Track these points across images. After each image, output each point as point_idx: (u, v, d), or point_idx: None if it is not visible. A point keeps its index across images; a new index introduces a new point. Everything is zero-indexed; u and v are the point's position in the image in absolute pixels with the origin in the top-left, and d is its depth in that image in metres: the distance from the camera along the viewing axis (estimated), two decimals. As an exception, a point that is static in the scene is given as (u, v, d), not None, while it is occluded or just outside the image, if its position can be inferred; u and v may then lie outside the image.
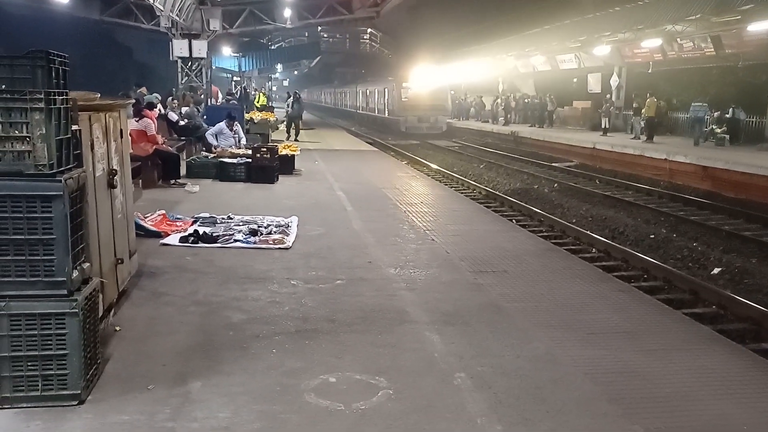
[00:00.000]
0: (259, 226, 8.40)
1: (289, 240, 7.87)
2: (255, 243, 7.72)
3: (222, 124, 15.57)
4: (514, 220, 12.01)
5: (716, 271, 9.45)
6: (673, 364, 4.45)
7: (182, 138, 15.65)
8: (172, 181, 12.19)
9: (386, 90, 42.14)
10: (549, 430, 3.57)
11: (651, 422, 3.65)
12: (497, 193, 16.35)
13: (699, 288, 8.38)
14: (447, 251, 7.55)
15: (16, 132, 3.45)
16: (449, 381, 4.13)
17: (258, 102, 28.09)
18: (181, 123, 16.15)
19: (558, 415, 3.73)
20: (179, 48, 24.29)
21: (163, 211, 8.83)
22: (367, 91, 49.14)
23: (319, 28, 50.41)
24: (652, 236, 11.54)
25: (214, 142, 15.17)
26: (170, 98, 17.27)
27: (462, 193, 15.91)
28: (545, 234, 11.42)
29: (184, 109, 17.42)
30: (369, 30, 65.21)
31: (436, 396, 3.93)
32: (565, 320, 5.28)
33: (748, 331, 7.23)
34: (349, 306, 5.54)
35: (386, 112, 41.91)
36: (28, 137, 3.44)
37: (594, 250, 10.64)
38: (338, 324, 5.11)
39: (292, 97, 24.42)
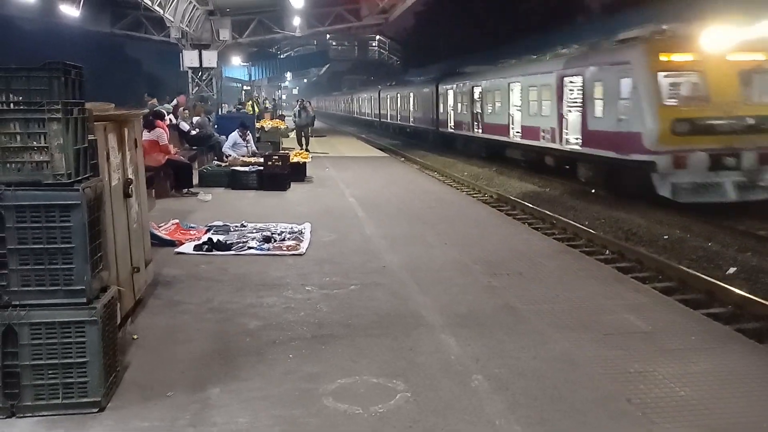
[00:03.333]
0: (272, 233, 8.44)
1: (303, 246, 7.90)
2: (269, 250, 7.76)
3: (235, 134, 15.67)
4: (526, 224, 11.98)
5: (731, 270, 9.38)
6: (691, 364, 4.42)
7: (194, 147, 15.76)
8: (185, 191, 12.27)
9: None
10: (568, 430, 3.56)
11: (671, 422, 3.64)
12: (509, 196, 16.32)
13: (715, 288, 8.31)
14: (460, 254, 7.54)
15: (35, 143, 3.50)
16: (466, 383, 4.13)
17: (249, 110, 28.09)
18: (193, 132, 16.26)
19: (576, 415, 3.72)
20: (189, 58, 24.52)
21: (177, 221, 8.89)
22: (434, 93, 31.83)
23: (328, 36, 50.72)
24: None
25: (233, 154, 15.27)
26: (180, 107, 17.34)
27: (473, 196, 15.89)
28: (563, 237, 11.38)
29: (195, 119, 17.54)
30: (378, 37, 65.54)
31: (454, 398, 3.93)
32: (581, 321, 5.26)
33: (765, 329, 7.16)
34: (364, 311, 5.56)
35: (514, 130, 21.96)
36: (46, 147, 3.49)
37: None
38: (354, 328, 5.13)
39: (299, 105, 24.51)
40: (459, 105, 28.41)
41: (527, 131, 20.38)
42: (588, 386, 4.08)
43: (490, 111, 24.15)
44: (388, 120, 45.50)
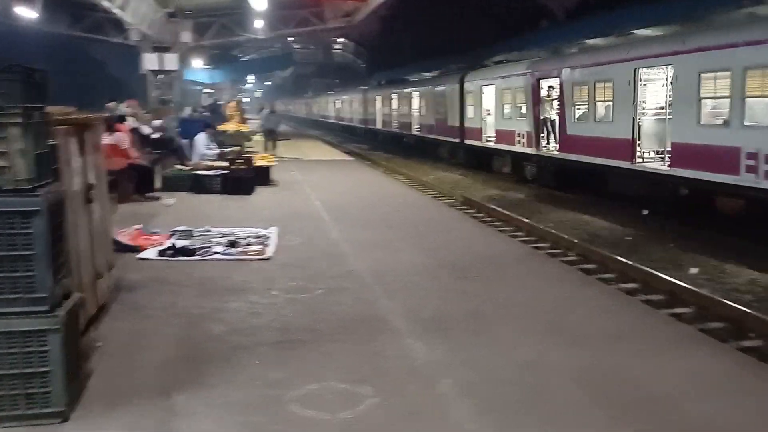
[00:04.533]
0: (237, 238, 8.35)
1: (269, 251, 7.84)
2: (234, 254, 7.68)
3: (204, 136, 15.48)
4: (492, 227, 12.10)
5: (694, 270, 9.63)
6: (658, 365, 4.49)
7: (156, 151, 15.52)
8: (147, 195, 12.08)
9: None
10: (536, 435, 3.59)
11: (641, 425, 3.66)
12: (475, 199, 16.46)
13: (677, 288, 8.51)
14: (427, 258, 7.57)
15: (-6, 147, 3.40)
16: (434, 388, 4.13)
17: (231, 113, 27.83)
18: (154, 136, 16.01)
19: (545, 420, 3.73)
20: (149, 61, 24.12)
21: (140, 226, 8.74)
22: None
23: (291, 38, 50.43)
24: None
25: (210, 152, 15.09)
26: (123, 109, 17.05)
27: (439, 200, 15.99)
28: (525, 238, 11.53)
29: (156, 122, 17.29)
30: (341, 40, 65.43)
31: (422, 403, 3.93)
32: (547, 324, 5.31)
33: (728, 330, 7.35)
34: (331, 315, 5.53)
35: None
36: (6, 152, 3.39)
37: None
38: (320, 334, 5.10)
39: (265, 109, 24.32)
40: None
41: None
42: (557, 390, 4.10)
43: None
44: (378, 127, 38.59)
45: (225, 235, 8.58)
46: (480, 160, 23.13)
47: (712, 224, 11.74)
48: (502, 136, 21.02)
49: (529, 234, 12.43)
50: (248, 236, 8.51)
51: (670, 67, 13.30)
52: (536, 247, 10.50)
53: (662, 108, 14.26)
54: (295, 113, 74.70)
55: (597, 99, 15.71)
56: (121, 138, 11.43)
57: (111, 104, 17.43)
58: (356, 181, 15.98)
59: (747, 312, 7.53)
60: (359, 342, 4.90)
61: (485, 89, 22.41)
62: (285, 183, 14.65)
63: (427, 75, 33.62)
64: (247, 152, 16.73)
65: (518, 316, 5.53)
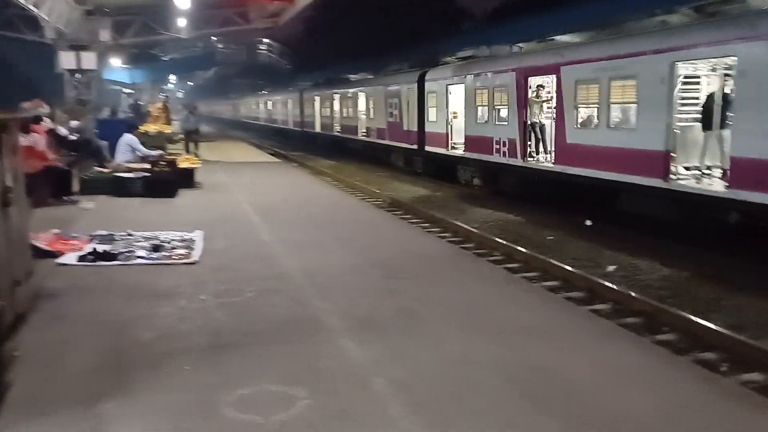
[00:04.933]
0: (161, 242, 8.13)
1: (195, 254, 7.67)
2: (158, 259, 7.47)
3: (132, 137, 14.95)
4: (420, 228, 12.26)
5: (611, 268, 10.05)
6: (579, 358, 4.69)
7: (73, 153, 14.88)
8: (65, 198, 11.57)
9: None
10: (468, 428, 3.67)
11: (563, 414, 3.82)
12: (402, 200, 16.62)
13: (596, 285, 8.87)
14: (357, 258, 7.60)
15: None
16: (368, 386, 4.17)
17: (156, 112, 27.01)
18: (72, 137, 15.35)
19: (475, 413, 3.84)
20: (66, 60, 23.08)
21: (57, 230, 8.37)
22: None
23: (214, 38, 49.39)
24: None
25: (151, 153, 14.59)
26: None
27: (368, 201, 16.06)
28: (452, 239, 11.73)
29: (73, 123, 16.58)
30: (266, 40, 64.64)
31: (357, 402, 3.95)
32: (476, 321, 5.44)
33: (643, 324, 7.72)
34: (263, 318, 5.47)
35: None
36: None
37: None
38: (252, 337, 5.04)
39: (186, 109, 23.72)
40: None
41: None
42: (486, 384, 4.22)
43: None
44: (317, 130, 35.26)
45: (148, 239, 8.33)
46: (442, 171, 20.38)
47: (628, 224, 12.28)
48: (474, 143, 18.09)
49: (456, 234, 12.67)
50: (173, 240, 8.29)
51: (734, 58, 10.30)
52: (463, 248, 10.70)
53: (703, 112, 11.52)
54: (220, 114, 72.94)
55: (613, 100, 12.76)
56: (38, 139, 10.92)
57: (27, 104, 16.59)
58: (285, 182, 15.85)
59: (662, 307, 7.93)
60: (293, 343, 4.88)
61: (452, 89, 19.44)
62: (210, 185, 14.35)
63: (374, 74, 29.60)
64: (170, 154, 16.31)
65: (448, 313, 5.64)
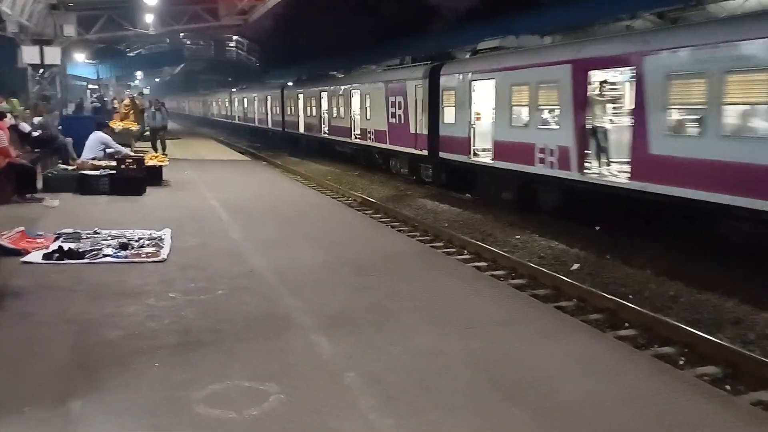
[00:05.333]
0: (129, 240, 8.05)
1: (164, 252, 7.62)
2: (126, 257, 7.40)
3: (104, 135, 14.72)
4: (390, 226, 12.33)
5: (575, 266, 10.26)
6: (544, 350, 4.82)
7: (37, 150, 14.62)
8: (28, 196, 11.36)
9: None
10: (438, 420, 3.75)
11: (528, 404, 3.95)
12: (372, 199, 16.68)
13: (562, 283, 9.05)
14: (328, 256, 7.64)
15: None
16: (339, 381, 4.22)
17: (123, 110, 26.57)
18: (35, 134, 15.06)
19: (445, 404, 3.93)
20: (29, 55, 22.57)
21: (22, 228, 8.22)
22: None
23: (182, 34, 48.84)
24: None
25: (125, 151, 14.38)
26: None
27: (338, 200, 16.09)
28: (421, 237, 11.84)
29: (36, 119, 16.26)
30: (235, 37, 64.11)
31: (328, 396, 4.00)
32: (445, 316, 5.54)
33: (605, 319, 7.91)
34: (233, 315, 5.48)
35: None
36: None
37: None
38: (223, 334, 5.05)
39: (153, 106, 23.37)
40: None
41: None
42: (454, 376, 4.32)
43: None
44: (301, 131, 31.46)
45: (115, 237, 8.24)
46: (459, 181, 17.59)
47: (595, 223, 12.54)
48: (507, 150, 14.89)
49: (425, 233, 12.78)
50: (141, 238, 8.21)
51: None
52: (433, 246, 10.82)
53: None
54: (189, 112, 71.74)
55: (731, 99, 9.57)
56: (0, 136, 10.69)
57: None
58: (254, 180, 15.78)
59: (623, 303, 8.14)
60: (264, 340, 4.90)
61: (478, 85, 16.36)
62: (178, 183, 14.22)
63: (372, 67, 26.86)
64: (137, 151, 16.11)
65: (417, 309, 5.72)
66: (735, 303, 8.27)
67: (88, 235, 8.33)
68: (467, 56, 18.59)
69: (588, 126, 12.49)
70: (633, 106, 11.49)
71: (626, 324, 7.71)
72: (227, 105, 50.58)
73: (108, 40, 31.88)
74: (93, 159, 14.05)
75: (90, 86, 42.96)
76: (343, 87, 26.11)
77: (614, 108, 13.05)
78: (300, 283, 6.49)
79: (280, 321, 5.34)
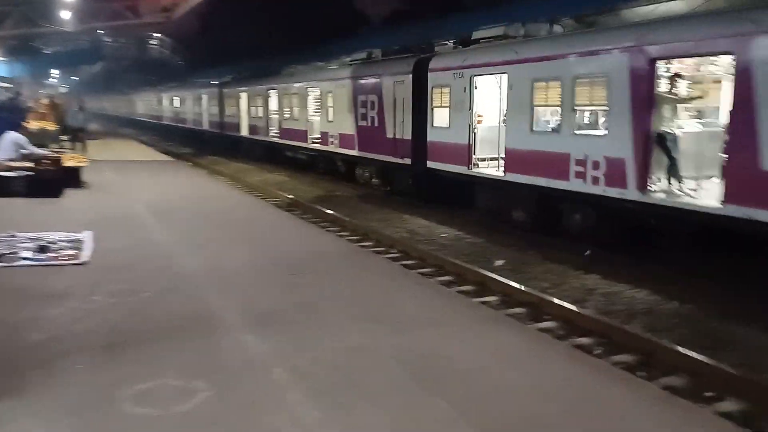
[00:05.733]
0: (47, 242, 7.81)
1: (85, 255, 7.45)
2: (45, 260, 7.20)
3: (20, 135, 14.06)
4: (319, 226, 12.39)
5: (499, 263, 10.61)
6: (469, 344, 5.02)
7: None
8: (-64, 198, 10.80)
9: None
10: (363, 412, 3.88)
11: (452, 395, 4.11)
12: (301, 200, 16.67)
13: (486, 279, 9.37)
14: (257, 256, 7.65)
15: None
16: (268, 377, 4.29)
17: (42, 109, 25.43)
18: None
19: (370, 397, 4.06)
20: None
21: (-69, 231, 7.84)
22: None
23: (101, 31, 47.13)
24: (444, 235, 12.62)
25: (43, 153, 13.70)
26: None
27: (266, 200, 16.00)
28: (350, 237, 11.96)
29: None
30: (157, 35, 62.40)
31: (257, 392, 4.07)
32: (373, 313, 5.68)
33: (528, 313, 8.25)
34: (160, 317, 5.45)
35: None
36: None
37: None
38: (150, 334, 5.02)
39: (77, 105, 22.54)
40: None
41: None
42: (380, 371, 4.46)
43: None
44: (243, 133, 28.40)
45: (33, 239, 7.98)
46: (451, 195, 15.07)
47: (517, 223, 12.98)
48: (527, 161, 12.24)
49: (354, 233, 12.91)
50: (60, 240, 7.99)
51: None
52: (362, 246, 10.96)
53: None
54: (115, 112, 68.89)
55: None
56: None
57: None
58: (179, 181, 15.49)
59: (543, 297, 8.51)
60: (192, 340, 4.91)
61: (482, 81, 13.90)
62: (99, 185, 13.80)
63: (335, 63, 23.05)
64: (55, 152, 15.50)
65: (346, 306, 5.84)
66: (646, 294, 8.79)
67: (4, 238, 8.03)
68: (455, 48, 15.97)
69: (655, 132, 9.88)
70: (731, 107, 8.82)
71: (547, 317, 8.07)
72: (156, 105, 46.71)
73: (21, 37, 30.43)
74: (7, 160, 13.44)
75: (1, 84, 40.85)
76: (297, 84, 23.08)
77: (689, 110, 10.74)
78: (229, 283, 6.50)
79: (209, 321, 5.35)
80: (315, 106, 22.04)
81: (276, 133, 25.17)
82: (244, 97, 28.43)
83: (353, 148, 19.01)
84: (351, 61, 20.51)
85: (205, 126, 34.56)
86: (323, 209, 15.16)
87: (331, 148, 20.49)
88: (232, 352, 4.67)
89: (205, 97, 34.22)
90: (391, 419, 3.79)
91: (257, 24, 39.96)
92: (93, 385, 4.06)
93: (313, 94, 21.88)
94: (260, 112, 26.71)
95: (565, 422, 3.83)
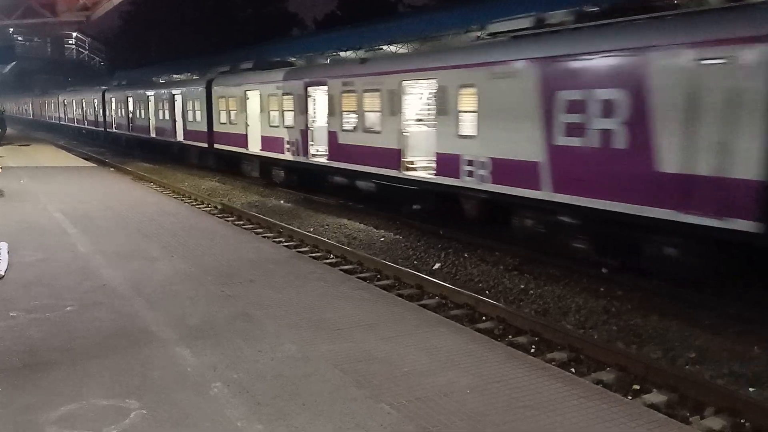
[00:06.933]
0: (-41, 256, 7.31)
1: (0, 268, 6.99)
2: (-44, 275, 6.71)
3: None
4: (254, 233, 12.11)
5: (437, 266, 10.65)
6: (408, 347, 5.00)
7: None
8: None
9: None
10: (306, 422, 3.77)
11: (394, 399, 4.09)
12: (234, 206, 16.27)
13: (424, 282, 9.37)
14: (189, 266, 7.38)
15: None
16: (205, 391, 4.12)
17: None
18: None
19: (313, 406, 3.96)
20: None
21: None
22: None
23: (12, 29, 44.79)
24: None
25: None
26: None
27: (197, 206, 15.55)
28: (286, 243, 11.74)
29: None
30: (75, 34, 59.96)
31: (194, 408, 3.89)
32: (313, 320, 5.56)
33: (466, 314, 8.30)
34: (86, 332, 5.16)
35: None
36: None
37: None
38: (75, 352, 4.74)
39: None
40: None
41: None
42: (322, 379, 4.36)
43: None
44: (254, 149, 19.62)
45: (-58, 252, 7.45)
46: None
47: (454, 224, 13.10)
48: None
49: (290, 239, 12.69)
50: (-28, 253, 7.49)
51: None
52: (299, 251, 10.77)
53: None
54: (28, 115, 65.11)
55: None
56: None
57: None
58: (102, 188, 14.81)
59: (480, 299, 8.58)
60: (122, 356, 4.66)
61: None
62: (14, 193, 13.07)
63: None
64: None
65: (284, 314, 5.69)
66: (576, 292, 9.00)
67: None
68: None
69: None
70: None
71: (484, 317, 8.13)
72: (95, 108, 38.75)
73: None
74: None
75: None
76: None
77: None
78: (159, 295, 6.23)
79: (139, 335, 5.10)
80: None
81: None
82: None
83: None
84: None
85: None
86: (257, 215, 14.86)
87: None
88: (165, 368, 4.45)
89: (180, 99, 26.48)
90: (336, 427, 3.71)
91: (177, 26, 38.95)
92: (13, 409, 3.79)
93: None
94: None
95: (506, 420, 3.86)
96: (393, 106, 13.46)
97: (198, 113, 23.49)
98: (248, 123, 19.63)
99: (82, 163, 23.07)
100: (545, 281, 9.53)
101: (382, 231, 13.36)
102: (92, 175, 18.26)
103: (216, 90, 22.07)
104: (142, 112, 29.97)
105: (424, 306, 7.55)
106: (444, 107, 12.04)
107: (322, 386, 4.24)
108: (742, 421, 5.41)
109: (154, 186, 19.84)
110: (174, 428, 3.64)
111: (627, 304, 8.40)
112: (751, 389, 6.01)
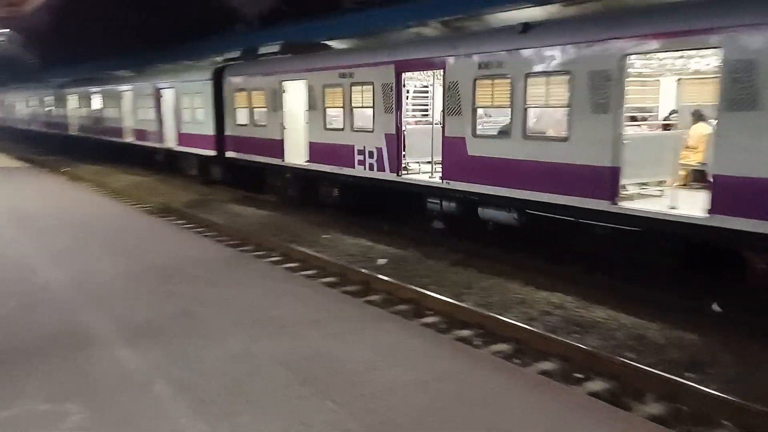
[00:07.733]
0: None
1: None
2: None
3: None
4: (195, 232, 11.94)
5: (382, 262, 10.72)
6: (355, 344, 5.04)
7: None
8: None
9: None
10: (251, 420, 3.79)
11: (339, 395, 4.12)
12: (174, 205, 15.97)
13: (370, 278, 9.42)
14: (131, 264, 7.26)
15: None
16: (148, 391, 4.08)
17: None
18: None
19: (258, 404, 3.97)
20: None
21: None
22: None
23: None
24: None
25: None
26: None
27: (135, 206, 15.20)
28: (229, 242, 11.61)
29: None
30: (5, 30, 57.55)
31: (136, 407, 3.86)
32: (257, 318, 5.56)
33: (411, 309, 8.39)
34: (25, 333, 5.05)
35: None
36: None
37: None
38: (12, 354, 4.63)
39: None
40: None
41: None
42: (267, 376, 4.37)
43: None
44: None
45: None
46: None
47: (389, 218, 13.20)
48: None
49: (232, 237, 12.55)
50: None
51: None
52: (242, 250, 10.67)
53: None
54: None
55: None
56: None
57: None
58: (39, 189, 14.36)
59: (425, 294, 8.69)
60: (62, 358, 4.58)
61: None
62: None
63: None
64: None
65: (227, 312, 5.66)
66: (518, 285, 9.21)
67: None
68: None
69: None
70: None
71: (430, 312, 8.24)
72: (53, 108, 33.94)
73: None
74: None
75: None
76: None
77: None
78: (100, 294, 6.11)
79: (80, 335, 5.00)
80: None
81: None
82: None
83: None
84: None
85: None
86: (198, 214, 14.63)
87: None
88: (107, 369, 4.39)
89: (173, 95, 21.61)
90: (281, 425, 3.73)
91: (113, 21, 37.71)
92: (-54, 416, 3.66)
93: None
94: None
95: (451, 414, 3.94)
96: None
97: (200, 112, 18.36)
98: (285, 125, 15.00)
99: (15, 163, 22.38)
100: (489, 275, 9.72)
101: (325, 228, 13.35)
102: (28, 176, 17.81)
103: (231, 81, 16.99)
104: (112, 111, 25.05)
105: (370, 302, 7.63)
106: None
107: (266, 384, 4.25)
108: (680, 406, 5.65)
109: (92, 186, 19.29)
110: (115, 430, 3.60)
111: (570, 295, 8.65)
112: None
